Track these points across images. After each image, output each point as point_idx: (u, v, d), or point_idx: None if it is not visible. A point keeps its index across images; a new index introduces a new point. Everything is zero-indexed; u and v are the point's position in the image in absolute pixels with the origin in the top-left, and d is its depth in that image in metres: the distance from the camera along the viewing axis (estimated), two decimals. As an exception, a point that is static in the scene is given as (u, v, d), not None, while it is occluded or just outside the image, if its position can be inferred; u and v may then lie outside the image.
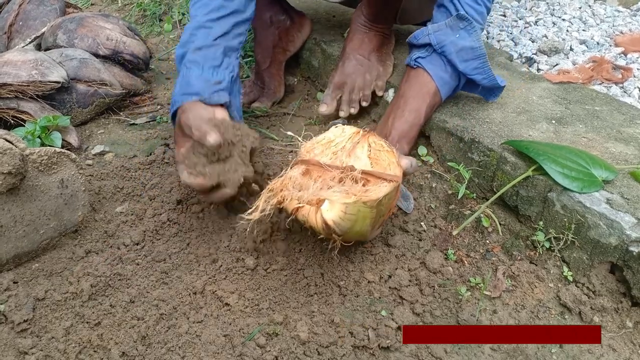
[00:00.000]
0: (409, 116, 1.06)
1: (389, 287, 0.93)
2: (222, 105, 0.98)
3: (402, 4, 1.27)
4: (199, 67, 0.98)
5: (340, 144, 0.92)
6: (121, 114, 1.43)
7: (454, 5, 1.05)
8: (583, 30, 1.69)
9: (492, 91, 1.13)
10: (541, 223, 0.95)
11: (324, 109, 1.27)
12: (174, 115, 1.00)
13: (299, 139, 0.92)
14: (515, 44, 1.62)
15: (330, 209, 0.78)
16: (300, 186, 0.83)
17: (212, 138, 0.88)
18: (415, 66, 1.09)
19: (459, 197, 1.03)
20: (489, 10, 1.10)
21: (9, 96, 1.23)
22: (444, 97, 1.09)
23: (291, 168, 0.87)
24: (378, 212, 0.83)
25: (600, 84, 1.39)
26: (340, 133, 0.94)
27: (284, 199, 0.82)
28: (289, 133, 1.01)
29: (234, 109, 1.02)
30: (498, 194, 0.99)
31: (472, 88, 1.14)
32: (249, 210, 0.82)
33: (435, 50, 1.06)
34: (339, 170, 0.85)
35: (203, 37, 1.00)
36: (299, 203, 0.80)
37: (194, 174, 0.90)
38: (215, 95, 0.97)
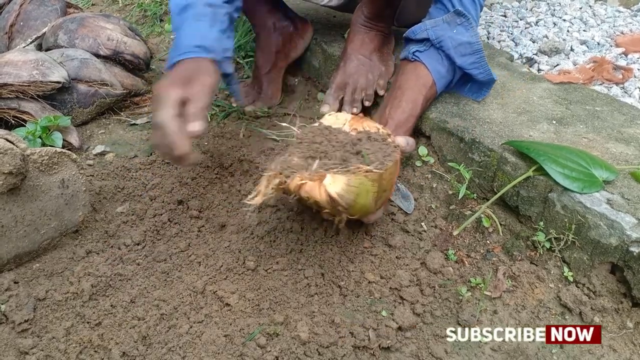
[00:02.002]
0: (406, 106, 1.07)
1: (390, 288, 0.93)
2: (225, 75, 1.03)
3: (400, 4, 1.27)
4: (209, 24, 0.98)
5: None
6: (122, 114, 1.43)
7: (451, 2, 1.07)
8: (584, 30, 1.69)
9: (480, 90, 1.15)
10: (542, 223, 0.95)
11: (327, 109, 1.27)
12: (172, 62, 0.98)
13: (294, 128, 0.92)
14: (516, 44, 1.62)
15: (333, 182, 0.79)
16: (300, 167, 0.84)
17: (200, 126, 0.88)
18: (413, 59, 1.10)
19: (460, 197, 1.03)
20: (482, 7, 1.12)
21: (10, 96, 1.23)
22: (439, 90, 1.11)
23: (289, 153, 0.88)
24: (380, 187, 0.84)
25: (600, 84, 1.39)
26: (335, 120, 0.96)
27: (285, 180, 0.82)
28: (284, 124, 1.01)
29: (234, 83, 1.09)
30: (499, 194, 0.99)
31: (461, 85, 1.16)
32: (251, 195, 0.82)
33: (433, 44, 1.08)
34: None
35: None
36: (302, 180, 0.81)
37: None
38: (225, 63, 1.00)
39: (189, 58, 0.95)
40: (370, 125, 0.96)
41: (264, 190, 0.82)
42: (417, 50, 1.09)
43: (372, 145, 0.88)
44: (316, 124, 0.94)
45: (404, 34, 1.14)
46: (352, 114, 1.27)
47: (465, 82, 1.16)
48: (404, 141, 0.97)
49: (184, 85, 0.91)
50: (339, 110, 1.28)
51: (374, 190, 0.83)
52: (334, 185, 0.79)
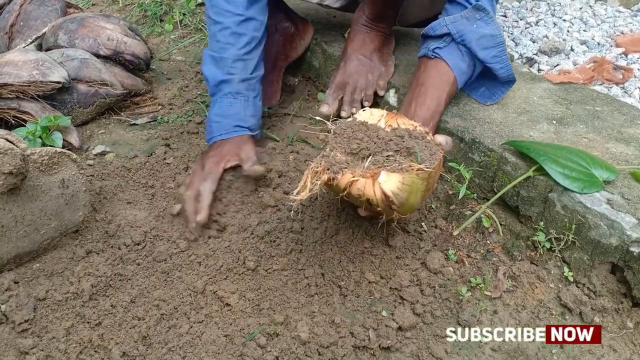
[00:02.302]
0: (430, 104, 1.06)
1: (390, 288, 0.93)
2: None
3: (402, 4, 1.27)
4: (246, 100, 1.15)
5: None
6: (122, 114, 1.43)
7: (467, 0, 1.06)
8: (584, 30, 1.69)
9: (492, 95, 1.14)
10: (542, 223, 0.95)
11: (326, 109, 1.27)
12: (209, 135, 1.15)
13: (328, 123, 0.90)
14: (516, 45, 1.62)
15: (388, 179, 0.78)
16: (348, 163, 0.82)
17: (261, 169, 1.08)
18: (433, 56, 1.08)
19: (460, 197, 1.03)
20: (497, 1, 1.11)
21: (10, 96, 1.23)
22: (459, 86, 1.09)
23: (330, 148, 0.85)
24: (427, 186, 0.83)
25: (601, 84, 1.39)
26: (369, 116, 0.93)
27: (334, 176, 0.80)
28: (317, 117, 1.01)
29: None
30: (499, 194, 0.99)
31: (474, 87, 1.15)
32: (296, 190, 0.80)
33: (454, 39, 1.06)
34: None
35: (242, 69, 1.15)
36: (354, 177, 0.79)
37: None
38: (259, 132, 1.20)
39: (231, 137, 1.12)
40: (405, 123, 0.92)
41: (309, 185, 0.79)
42: (437, 47, 1.08)
43: (417, 144, 0.86)
44: (350, 119, 0.91)
45: (422, 32, 1.12)
46: (351, 114, 1.26)
47: (479, 85, 1.15)
48: (443, 140, 0.93)
49: (232, 157, 1.09)
50: (338, 110, 1.28)
51: (422, 189, 0.82)
52: (389, 183, 0.78)
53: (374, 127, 0.88)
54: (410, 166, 0.79)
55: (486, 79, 1.13)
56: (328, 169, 0.80)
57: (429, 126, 1.06)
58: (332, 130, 0.88)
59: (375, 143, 0.85)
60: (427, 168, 0.80)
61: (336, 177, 0.80)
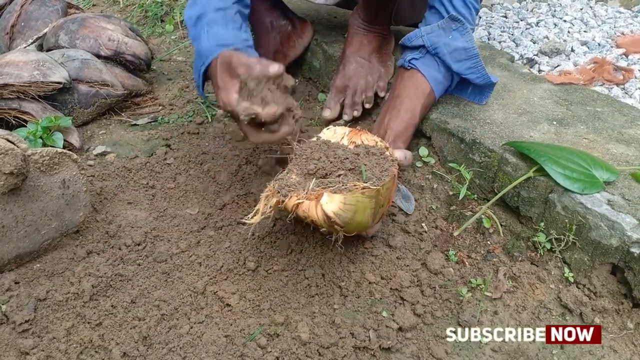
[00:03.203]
0: (404, 116, 1.07)
1: (390, 288, 0.93)
2: None
3: (395, 6, 1.27)
4: (223, 25, 0.99)
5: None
6: (123, 114, 1.43)
7: (444, 7, 1.06)
8: (584, 31, 1.69)
9: (482, 93, 1.14)
10: (542, 224, 0.95)
11: (328, 113, 1.28)
12: (206, 69, 0.99)
13: (294, 142, 0.92)
14: (517, 45, 1.62)
15: (330, 201, 0.79)
16: (297, 185, 0.84)
17: (275, 67, 0.86)
18: (409, 67, 1.10)
19: (460, 198, 1.03)
20: (477, 11, 1.11)
21: (11, 97, 1.23)
22: (437, 96, 1.11)
23: (287, 171, 0.88)
24: (377, 203, 0.84)
25: (601, 85, 1.39)
26: (332, 134, 0.96)
27: (283, 199, 0.82)
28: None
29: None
30: (499, 195, 0.99)
31: (462, 89, 1.16)
32: (250, 214, 0.83)
33: (428, 51, 1.08)
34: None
35: (220, 1, 1.01)
36: (299, 199, 0.81)
37: (259, 104, 0.86)
38: (249, 50, 0.99)
39: (215, 57, 0.95)
40: (368, 138, 0.96)
41: (262, 209, 0.82)
42: (413, 58, 1.09)
43: (370, 160, 0.88)
44: (314, 139, 0.94)
45: (400, 41, 1.14)
46: (353, 117, 1.27)
47: (466, 86, 1.15)
48: (402, 155, 0.97)
49: (232, 76, 0.90)
50: (340, 113, 1.29)
51: (371, 206, 0.83)
52: (330, 204, 0.79)
53: (334, 146, 0.91)
54: (354, 185, 0.81)
55: (470, 81, 1.14)
56: (278, 192, 0.82)
57: (403, 138, 1.06)
58: (294, 152, 0.90)
59: (331, 162, 0.87)
60: (373, 186, 0.82)
61: (285, 200, 0.82)
